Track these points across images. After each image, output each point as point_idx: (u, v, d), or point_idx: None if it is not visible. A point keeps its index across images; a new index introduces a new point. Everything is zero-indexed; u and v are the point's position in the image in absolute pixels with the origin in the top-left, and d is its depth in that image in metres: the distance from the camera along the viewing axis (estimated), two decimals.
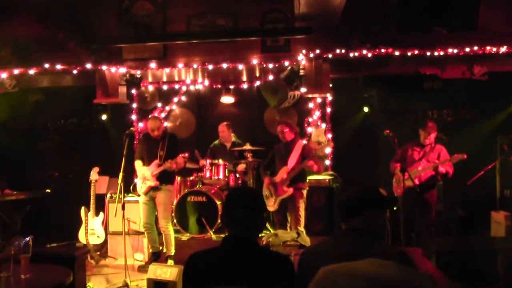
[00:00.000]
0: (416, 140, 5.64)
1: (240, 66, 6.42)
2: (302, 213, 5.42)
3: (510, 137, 6.30)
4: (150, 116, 5.80)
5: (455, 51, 5.91)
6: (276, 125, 5.79)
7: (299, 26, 6.11)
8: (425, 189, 5.41)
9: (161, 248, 5.49)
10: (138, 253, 5.75)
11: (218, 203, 5.77)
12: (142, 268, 5.24)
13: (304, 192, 5.50)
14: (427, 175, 5.44)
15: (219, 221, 5.73)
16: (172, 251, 5.37)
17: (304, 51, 6.05)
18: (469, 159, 5.60)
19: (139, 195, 5.53)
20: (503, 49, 5.87)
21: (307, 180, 5.91)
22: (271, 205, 5.48)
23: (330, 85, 6.10)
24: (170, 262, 5.22)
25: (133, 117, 7.02)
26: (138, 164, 5.51)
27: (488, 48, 5.87)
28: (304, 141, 5.75)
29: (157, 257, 5.39)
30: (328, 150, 6.28)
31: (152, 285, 4.11)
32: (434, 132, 5.53)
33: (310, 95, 6.24)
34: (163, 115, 7.21)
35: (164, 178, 5.35)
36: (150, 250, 5.52)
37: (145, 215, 5.41)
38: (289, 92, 6.18)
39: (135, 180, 5.62)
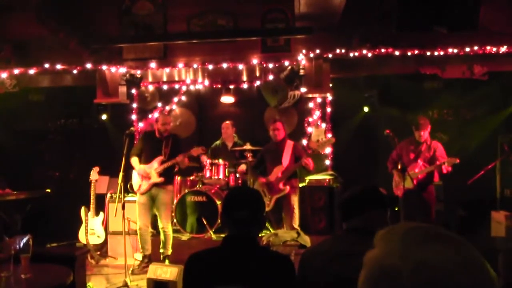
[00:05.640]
0: (411, 137, 5.60)
1: (240, 66, 6.42)
2: (296, 210, 5.45)
3: (510, 137, 6.30)
4: (159, 112, 6.07)
5: (456, 51, 5.90)
6: (272, 122, 5.75)
7: (300, 26, 6.11)
8: (422, 188, 5.41)
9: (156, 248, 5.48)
10: (138, 253, 5.74)
11: (218, 203, 5.76)
12: (135, 272, 5.20)
13: (297, 189, 5.56)
14: (424, 174, 5.44)
15: (219, 221, 5.72)
16: (170, 251, 5.40)
17: (304, 51, 6.04)
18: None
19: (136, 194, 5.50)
20: (503, 49, 5.86)
21: (307, 180, 5.90)
22: (267, 205, 5.49)
23: (330, 85, 6.09)
24: (167, 261, 5.24)
25: (133, 117, 7.00)
26: (135, 161, 5.45)
27: (488, 48, 5.87)
28: (292, 141, 5.72)
29: (150, 259, 5.34)
30: (328, 150, 6.27)
31: (152, 285, 4.11)
32: (426, 129, 5.48)
33: (310, 95, 6.23)
34: None
35: (167, 176, 5.38)
36: (145, 253, 5.45)
37: (144, 217, 5.39)
38: (289, 92, 6.17)
39: (135, 179, 5.57)
